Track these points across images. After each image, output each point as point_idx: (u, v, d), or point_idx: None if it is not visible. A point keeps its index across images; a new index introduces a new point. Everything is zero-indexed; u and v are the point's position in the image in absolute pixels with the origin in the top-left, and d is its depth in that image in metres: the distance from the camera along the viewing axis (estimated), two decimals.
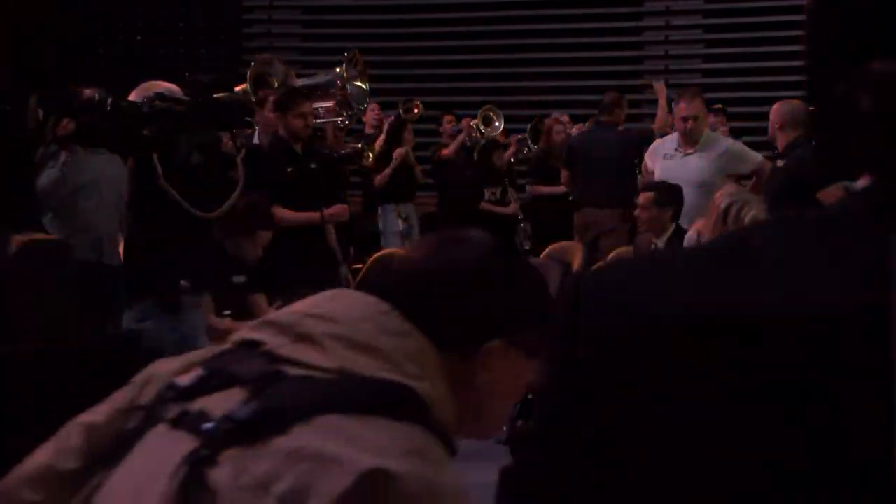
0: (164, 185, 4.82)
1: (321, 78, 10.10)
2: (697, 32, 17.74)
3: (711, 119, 13.38)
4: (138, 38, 16.32)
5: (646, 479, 0.87)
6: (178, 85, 5.25)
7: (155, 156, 4.83)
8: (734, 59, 16.71)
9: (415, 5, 17.85)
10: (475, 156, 12.84)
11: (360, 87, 9.93)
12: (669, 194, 7.08)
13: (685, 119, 7.86)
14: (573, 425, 0.91)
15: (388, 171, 11.39)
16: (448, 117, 13.58)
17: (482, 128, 13.55)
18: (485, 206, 12.24)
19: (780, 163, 7.49)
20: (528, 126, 13.70)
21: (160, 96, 4.95)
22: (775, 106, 7.63)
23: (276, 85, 7.44)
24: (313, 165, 7.25)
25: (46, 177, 6.63)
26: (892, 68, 0.80)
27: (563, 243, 9.49)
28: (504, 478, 0.98)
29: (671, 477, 0.87)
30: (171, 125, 4.90)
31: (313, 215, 7.15)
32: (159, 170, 4.84)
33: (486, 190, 12.48)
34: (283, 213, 6.94)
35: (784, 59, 14.47)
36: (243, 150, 5.16)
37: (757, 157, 8.14)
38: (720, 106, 13.70)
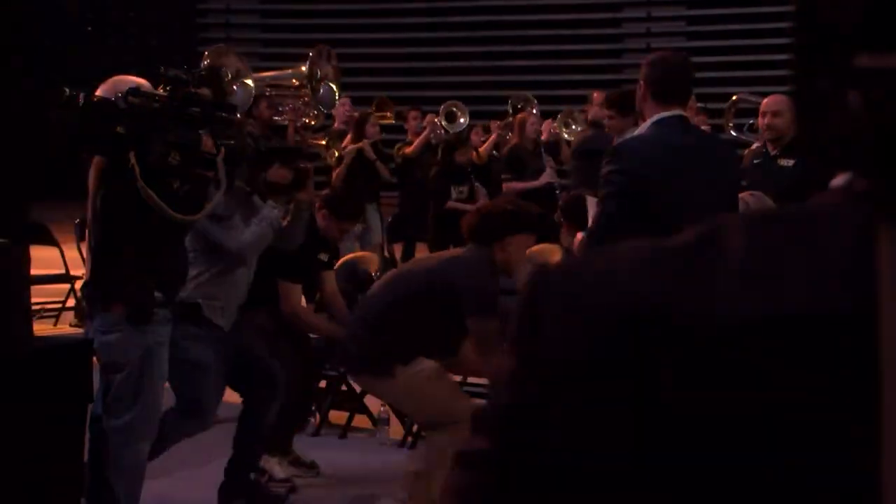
0: (142, 187, 4.73)
1: (290, 74, 10.04)
2: (681, 24, 17.80)
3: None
4: (88, 28, 16.24)
5: (596, 479, 0.89)
6: (150, 80, 5.16)
7: (132, 155, 4.76)
8: (718, 53, 16.78)
9: None
10: (439, 153, 12.83)
11: (332, 88, 9.90)
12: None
13: None
14: (526, 417, 0.93)
15: (340, 169, 11.39)
16: (413, 113, 13.52)
17: (445, 124, 13.52)
18: (451, 204, 12.30)
19: (783, 161, 7.51)
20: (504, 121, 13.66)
21: (135, 92, 4.84)
22: (780, 99, 7.62)
23: (228, 78, 7.18)
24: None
25: (252, 233, 5.67)
26: (879, 63, 0.81)
27: (543, 246, 9.50)
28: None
29: (627, 480, 0.88)
30: (148, 123, 4.80)
31: (336, 329, 6.77)
32: (137, 170, 4.73)
33: (452, 188, 12.50)
34: (312, 318, 6.69)
35: (770, 52, 14.54)
36: (223, 150, 5.02)
37: None
38: (700, 105, 13.77)
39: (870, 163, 0.83)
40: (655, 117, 4.95)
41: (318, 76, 9.47)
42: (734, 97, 11.03)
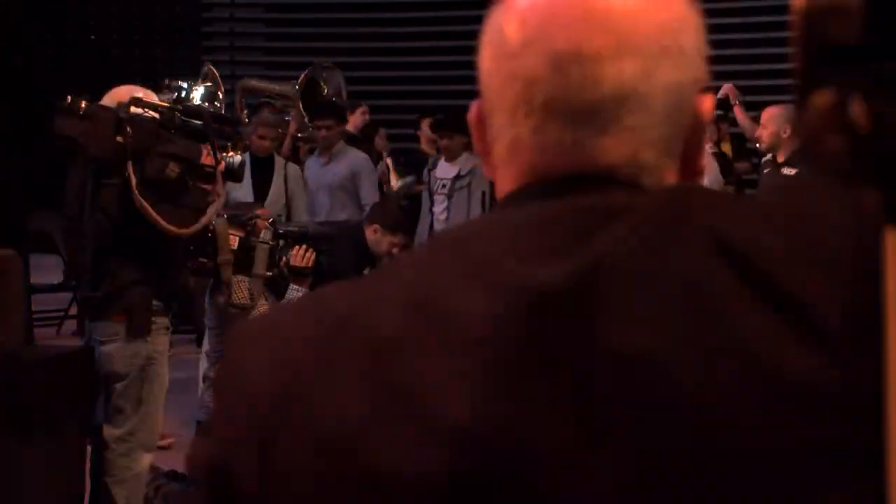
0: (137, 198, 4.71)
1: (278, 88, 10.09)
2: None
3: None
4: (92, 37, 16.28)
5: None
6: (155, 90, 5.15)
7: (129, 165, 4.74)
8: (721, 62, 16.81)
9: (382, 3, 17.86)
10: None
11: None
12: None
13: None
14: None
15: None
16: (425, 121, 13.50)
17: None
18: None
19: (786, 170, 7.51)
20: None
21: (136, 102, 4.83)
22: (778, 110, 7.60)
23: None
24: None
25: None
26: (882, 73, 0.80)
27: None
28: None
29: None
30: (147, 133, 4.78)
31: None
32: (133, 180, 4.72)
33: None
34: None
35: (772, 61, 14.56)
36: (223, 163, 5.01)
37: (719, 182, 7.97)
38: None
39: (874, 173, 0.82)
40: None
41: (323, 91, 9.48)
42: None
